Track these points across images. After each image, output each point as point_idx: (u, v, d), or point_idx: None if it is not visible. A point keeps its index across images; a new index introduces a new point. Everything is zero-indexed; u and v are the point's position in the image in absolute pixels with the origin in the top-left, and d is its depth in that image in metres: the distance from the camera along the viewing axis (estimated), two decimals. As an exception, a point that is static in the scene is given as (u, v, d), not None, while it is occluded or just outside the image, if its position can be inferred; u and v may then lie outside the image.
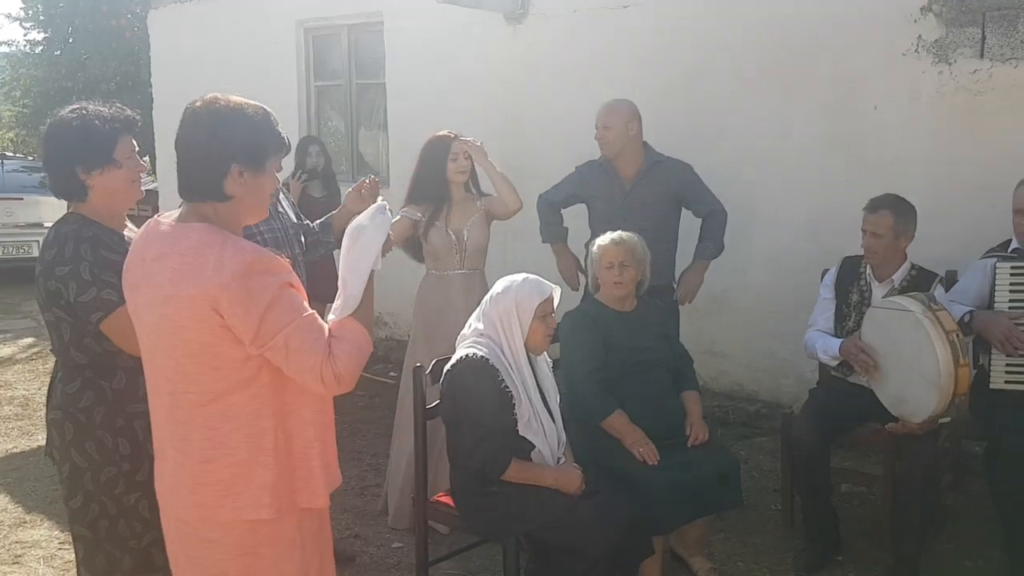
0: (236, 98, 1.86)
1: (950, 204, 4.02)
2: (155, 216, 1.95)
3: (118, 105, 2.30)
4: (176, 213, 1.90)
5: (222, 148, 1.81)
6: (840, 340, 3.37)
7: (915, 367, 2.98)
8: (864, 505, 3.84)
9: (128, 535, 2.29)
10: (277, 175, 1.95)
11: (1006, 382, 3.15)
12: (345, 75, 6.75)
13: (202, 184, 1.83)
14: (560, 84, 5.22)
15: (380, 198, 2.00)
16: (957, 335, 2.91)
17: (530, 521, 2.68)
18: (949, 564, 3.30)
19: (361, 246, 1.89)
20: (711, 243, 4.03)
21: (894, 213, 3.30)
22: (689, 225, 4.08)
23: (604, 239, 3.29)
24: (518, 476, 2.70)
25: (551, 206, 4.18)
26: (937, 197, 3.98)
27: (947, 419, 3.00)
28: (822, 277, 3.70)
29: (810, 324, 3.62)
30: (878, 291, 3.40)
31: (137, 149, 2.32)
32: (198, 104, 1.83)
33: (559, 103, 5.20)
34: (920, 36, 4.12)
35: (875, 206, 3.35)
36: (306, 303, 1.84)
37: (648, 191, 3.98)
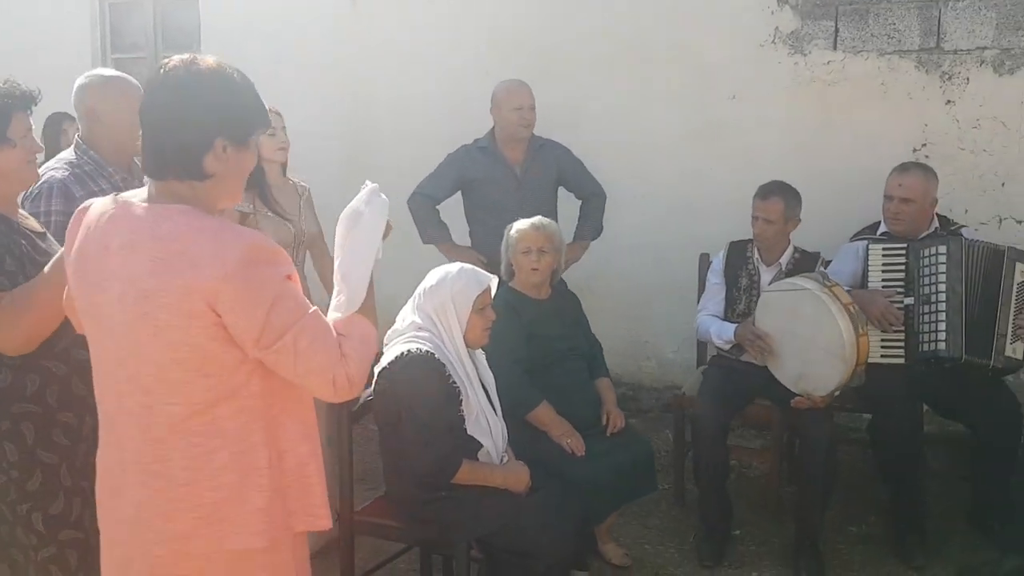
0: (214, 59, 1.56)
1: (805, 191, 4.16)
2: (111, 197, 1.60)
3: (12, 80, 1.99)
4: (140, 193, 1.56)
5: (206, 119, 1.53)
6: (734, 325, 3.46)
7: (816, 343, 3.10)
8: (742, 480, 3.97)
9: (27, 544, 2.03)
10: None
11: (882, 356, 3.35)
12: (150, 47, 6.08)
13: (179, 160, 1.53)
14: (407, 65, 4.94)
15: (368, 181, 1.76)
16: (853, 307, 3.05)
17: (484, 525, 2.52)
18: (835, 530, 3.48)
19: (361, 234, 1.65)
20: (591, 224, 4.02)
21: (784, 199, 3.43)
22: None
23: (523, 224, 3.17)
24: (468, 478, 2.53)
25: (431, 201, 3.96)
26: (793, 184, 4.17)
27: (856, 384, 3.15)
28: (707, 263, 3.80)
29: (700, 309, 3.70)
30: (766, 274, 3.52)
31: (32, 128, 2.02)
32: (173, 65, 1.53)
33: (406, 86, 4.93)
34: (777, 28, 4.30)
35: (766, 192, 3.46)
36: (307, 299, 1.58)
37: (539, 175, 3.91)
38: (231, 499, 1.57)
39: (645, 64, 4.50)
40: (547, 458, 2.90)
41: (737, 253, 3.60)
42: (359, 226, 1.66)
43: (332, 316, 1.64)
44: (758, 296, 3.48)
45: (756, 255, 3.55)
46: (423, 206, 3.93)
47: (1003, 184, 3.91)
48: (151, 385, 1.56)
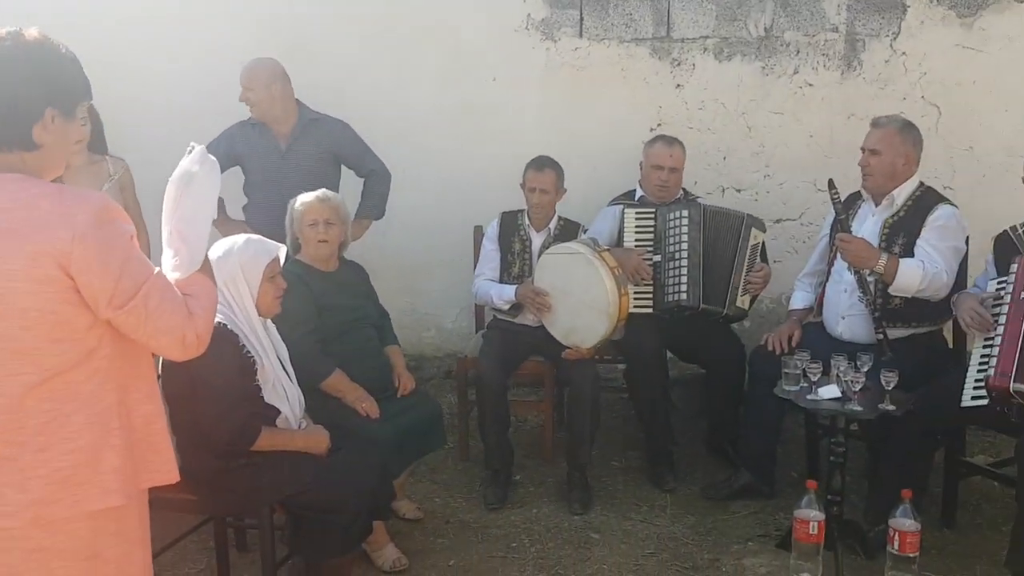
0: (37, 31, 1.58)
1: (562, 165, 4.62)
2: None
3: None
4: None
5: (36, 89, 1.55)
6: (513, 287, 3.76)
7: (585, 300, 3.47)
8: (519, 431, 4.29)
9: None
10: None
11: (634, 306, 3.78)
12: None
13: (9, 131, 1.54)
14: (167, 41, 4.73)
15: (194, 143, 1.80)
16: (618, 270, 3.46)
17: (285, 488, 2.60)
18: (600, 465, 3.90)
19: (195, 194, 1.70)
20: (371, 203, 4.10)
21: (555, 171, 3.77)
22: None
23: (308, 197, 3.24)
24: (268, 444, 2.60)
25: None
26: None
27: (617, 337, 3.55)
28: (481, 235, 4.08)
29: (477, 274, 3.96)
30: (536, 240, 3.86)
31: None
32: (10, 36, 1.54)
33: (165, 62, 4.73)
34: (529, 15, 4.61)
35: (540, 165, 3.78)
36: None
37: (305, 150, 3.95)
38: (87, 461, 1.59)
39: (407, 44, 4.64)
40: (343, 422, 3.02)
41: (509, 221, 3.91)
42: (193, 186, 1.71)
43: (172, 276, 1.68)
44: (530, 260, 3.81)
45: (527, 222, 3.87)
46: None
47: (724, 158, 4.50)
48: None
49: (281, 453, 2.62)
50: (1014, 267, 2.94)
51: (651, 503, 3.58)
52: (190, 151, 1.77)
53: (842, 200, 3.41)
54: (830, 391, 2.95)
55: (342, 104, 4.37)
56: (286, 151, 3.91)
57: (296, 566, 2.82)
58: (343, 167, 4.15)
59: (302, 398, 2.82)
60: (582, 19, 4.58)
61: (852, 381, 2.87)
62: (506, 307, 3.80)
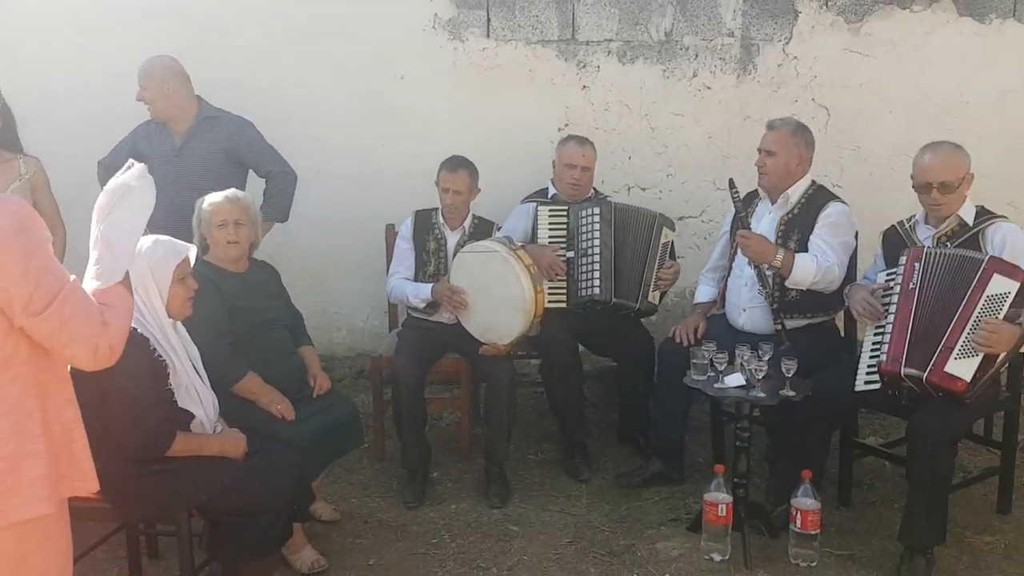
0: None
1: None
2: None
3: None
4: None
5: None
6: (429, 285, 3.78)
7: (502, 298, 3.53)
8: (434, 429, 4.32)
9: None
10: None
11: (549, 301, 3.85)
12: None
13: None
14: (74, 37, 4.57)
15: (132, 160, 1.80)
16: (533, 268, 3.53)
17: (203, 493, 2.56)
18: (517, 459, 3.97)
19: (129, 207, 1.69)
20: (272, 205, 4.01)
21: (469, 172, 3.81)
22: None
23: (216, 197, 3.18)
24: (184, 449, 2.56)
25: (109, 172, 3.79)
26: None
27: (533, 334, 3.62)
28: (393, 233, 4.09)
29: (392, 273, 3.97)
30: (451, 238, 3.89)
31: None
32: None
33: (73, 59, 4.56)
34: (436, 15, 4.65)
35: (454, 166, 3.81)
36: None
37: (200, 149, 3.89)
38: (12, 470, 1.57)
39: (315, 42, 4.60)
40: (259, 425, 2.98)
41: (423, 220, 3.93)
42: (128, 199, 1.70)
43: (91, 285, 1.65)
44: (445, 258, 3.84)
45: (441, 221, 3.89)
46: (101, 178, 3.79)
47: (629, 158, 4.63)
48: None
49: (197, 458, 2.58)
50: (903, 259, 3.15)
51: (567, 494, 3.67)
52: (129, 167, 1.77)
53: (741, 198, 3.57)
54: (735, 379, 3.10)
55: (248, 102, 4.30)
56: (180, 149, 3.86)
57: (214, 571, 2.78)
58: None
59: (216, 401, 2.78)
60: (489, 20, 4.63)
61: (756, 369, 3.02)
62: (422, 305, 3.82)
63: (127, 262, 1.71)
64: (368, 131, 4.70)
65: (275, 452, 2.78)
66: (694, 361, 3.21)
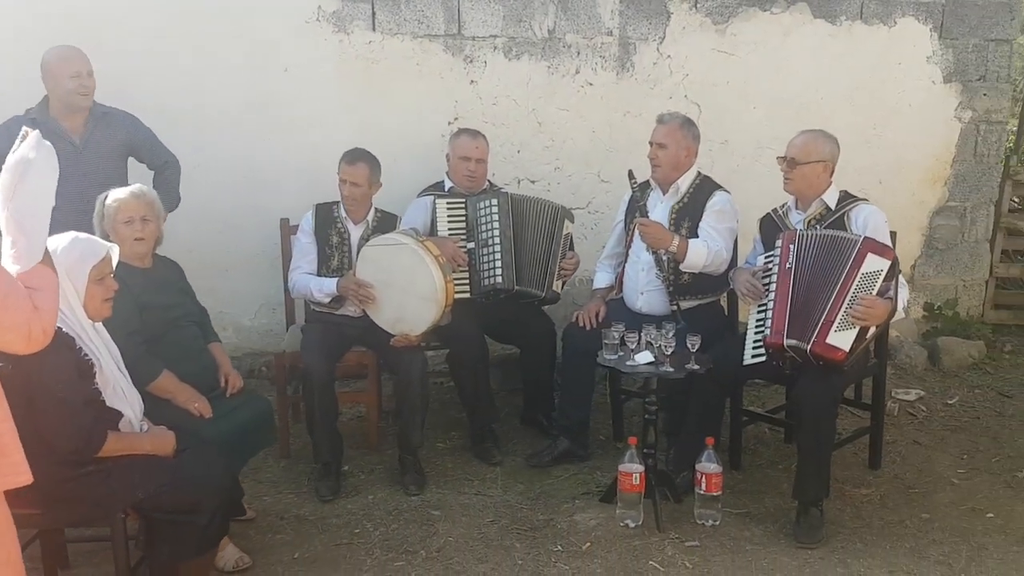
0: None
1: None
2: None
3: None
4: None
5: None
6: (334, 279, 3.78)
7: (411, 290, 3.59)
8: (341, 423, 4.30)
9: None
10: None
11: (457, 292, 3.96)
12: None
13: None
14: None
15: (27, 128, 1.72)
16: (442, 258, 3.60)
17: (139, 491, 2.50)
18: (428, 448, 4.01)
19: (33, 182, 1.63)
20: (167, 196, 3.93)
21: (369, 164, 3.83)
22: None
23: (121, 193, 3.08)
24: (116, 448, 2.49)
25: None
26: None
27: (444, 323, 3.69)
28: (288, 227, 4.04)
29: (294, 268, 3.94)
30: (355, 232, 3.90)
31: None
32: None
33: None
34: (320, 7, 4.62)
35: (353, 158, 3.81)
36: None
37: (103, 145, 3.77)
38: None
39: (199, 36, 4.47)
40: (178, 423, 2.92)
41: (324, 214, 3.91)
42: (30, 174, 1.64)
43: (12, 269, 1.61)
44: (349, 252, 3.85)
45: (343, 215, 3.90)
46: None
47: (518, 151, 4.79)
48: None
49: (129, 457, 2.52)
50: (779, 242, 3.45)
51: (482, 477, 3.78)
52: (23, 136, 1.69)
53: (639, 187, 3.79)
54: (644, 357, 3.30)
55: (132, 97, 4.15)
56: (82, 146, 3.70)
57: (149, 572, 2.71)
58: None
59: (140, 400, 2.71)
60: (374, 13, 4.65)
61: (665, 346, 3.24)
62: (327, 300, 3.82)
63: (43, 240, 1.66)
64: (251, 125, 4.61)
65: (204, 449, 2.74)
66: (605, 342, 3.39)
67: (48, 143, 1.72)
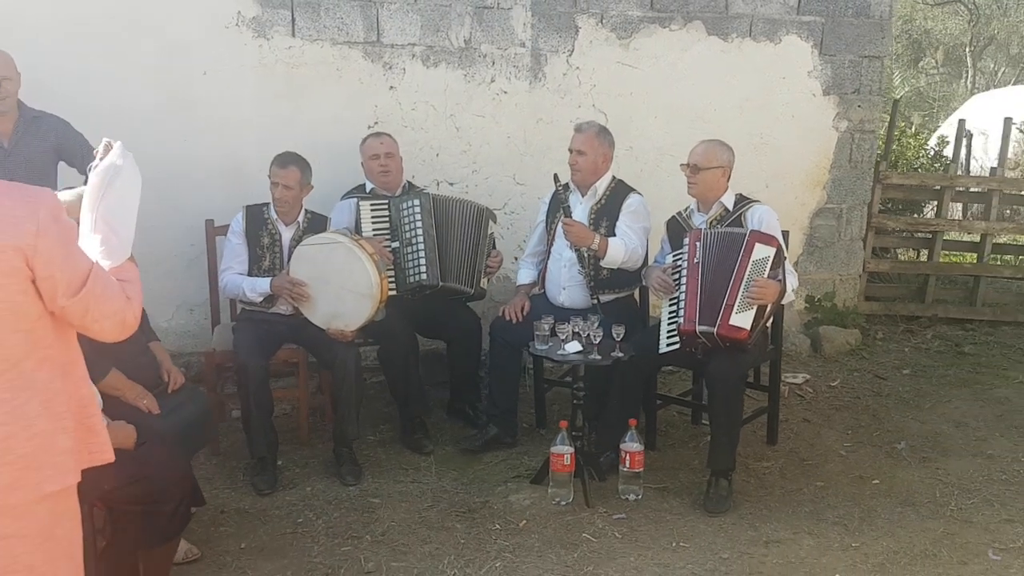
0: None
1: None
2: None
3: None
4: None
5: None
6: (267, 279, 3.88)
7: (347, 286, 3.72)
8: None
9: None
10: None
11: (391, 290, 4.11)
12: None
13: None
14: None
15: (106, 139, 1.86)
16: (376, 256, 3.76)
17: (104, 483, 2.55)
18: (358, 442, 4.14)
19: (122, 186, 1.78)
20: None
21: (299, 167, 3.94)
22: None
23: (67, 195, 3.07)
24: (82, 444, 2.54)
25: None
26: (266, 156, 4.59)
27: (379, 318, 3.84)
28: (214, 228, 4.10)
29: (225, 268, 4.01)
30: (286, 233, 4.01)
31: None
32: None
33: None
34: (240, 12, 4.68)
35: (284, 162, 3.93)
36: None
37: (32, 149, 3.77)
38: (45, 445, 1.67)
39: (115, 37, 4.45)
40: (128, 419, 2.98)
41: (254, 215, 4.00)
42: (119, 179, 1.77)
43: (104, 264, 1.73)
44: (281, 253, 3.96)
45: (274, 216, 4.00)
46: None
47: (437, 155, 4.98)
48: None
49: (93, 452, 2.58)
50: (686, 241, 3.78)
51: (415, 466, 3.95)
52: (107, 147, 1.83)
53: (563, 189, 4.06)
54: (574, 346, 3.57)
55: (50, 99, 4.12)
56: (11, 149, 3.70)
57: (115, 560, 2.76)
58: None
59: (99, 395, 2.76)
60: (294, 20, 4.75)
61: (593, 336, 3.51)
62: (259, 299, 3.91)
63: (131, 238, 1.81)
64: (169, 127, 4.61)
65: (163, 440, 2.82)
66: (537, 333, 3.64)
67: (131, 153, 1.86)
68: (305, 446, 4.13)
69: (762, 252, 3.61)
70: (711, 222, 3.91)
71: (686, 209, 4.04)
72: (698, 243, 3.74)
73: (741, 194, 3.99)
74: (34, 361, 1.66)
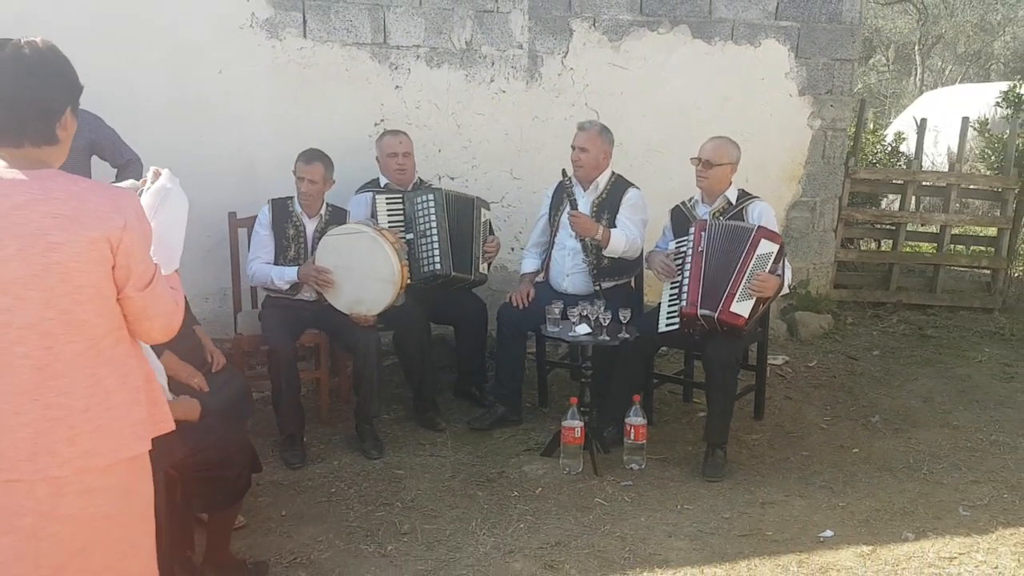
0: (41, 39, 1.86)
1: (291, 158, 4.97)
2: None
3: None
4: None
5: (61, 90, 1.86)
6: (294, 268, 4.14)
7: (370, 273, 3.99)
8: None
9: None
10: None
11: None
12: None
13: (39, 129, 1.83)
14: None
15: (155, 168, 2.15)
16: (398, 244, 4.03)
17: (177, 453, 2.81)
18: (380, 419, 4.42)
19: (171, 208, 2.09)
20: None
21: (323, 163, 4.20)
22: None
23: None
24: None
25: None
26: (279, 152, 4.85)
27: (399, 304, 4.11)
28: (236, 220, 4.34)
29: (253, 258, 4.26)
30: (310, 225, 4.26)
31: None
32: (27, 43, 1.82)
33: None
34: (253, 14, 4.90)
35: (309, 158, 4.17)
36: None
37: (72, 143, 3.91)
38: (121, 416, 1.89)
39: (131, 38, 4.64)
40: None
41: (280, 208, 4.26)
42: (169, 200, 2.06)
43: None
44: (305, 243, 4.21)
45: (298, 209, 4.25)
46: None
47: (439, 151, 5.25)
48: (52, 328, 1.79)
49: (165, 423, 2.83)
50: (691, 230, 4.10)
51: (432, 442, 4.24)
52: (156, 174, 2.12)
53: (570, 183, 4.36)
54: (583, 328, 3.88)
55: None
56: None
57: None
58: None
59: (163, 370, 3.01)
60: (305, 21, 4.99)
61: (602, 319, 3.82)
62: (286, 287, 4.17)
63: (179, 252, 2.09)
64: (183, 126, 4.81)
65: (224, 413, 3.08)
66: (548, 316, 3.95)
67: (177, 179, 2.14)
68: (326, 424, 4.39)
69: (767, 248, 3.93)
70: (715, 214, 4.23)
71: (690, 200, 4.36)
72: (703, 233, 4.05)
73: (743, 189, 4.31)
74: (111, 339, 1.87)
